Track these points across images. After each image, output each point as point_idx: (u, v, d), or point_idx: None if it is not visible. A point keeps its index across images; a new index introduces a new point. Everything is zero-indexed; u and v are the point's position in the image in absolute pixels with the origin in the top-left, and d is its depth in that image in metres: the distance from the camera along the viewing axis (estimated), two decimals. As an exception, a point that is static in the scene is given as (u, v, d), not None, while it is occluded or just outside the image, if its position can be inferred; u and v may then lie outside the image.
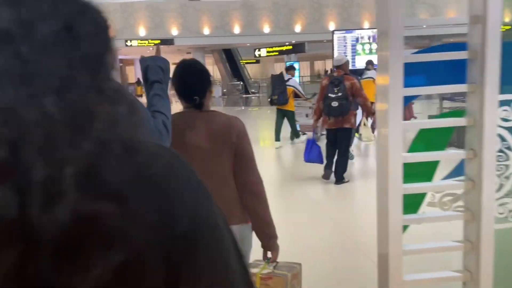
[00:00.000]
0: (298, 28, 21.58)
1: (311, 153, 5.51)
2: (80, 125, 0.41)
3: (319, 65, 39.83)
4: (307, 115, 8.28)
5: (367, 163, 7.10)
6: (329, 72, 8.72)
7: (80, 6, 0.47)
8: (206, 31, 21.03)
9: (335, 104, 5.17)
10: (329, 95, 5.22)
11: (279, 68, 27.22)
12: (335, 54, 17.42)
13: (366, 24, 21.66)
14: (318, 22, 21.57)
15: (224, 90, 24.95)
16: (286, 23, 21.45)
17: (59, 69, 0.42)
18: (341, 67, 5.47)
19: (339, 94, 5.18)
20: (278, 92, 7.96)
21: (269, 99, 8.61)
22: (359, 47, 17.54)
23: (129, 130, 0.46)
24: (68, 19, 0.44)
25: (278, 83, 8.08)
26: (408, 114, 7.74)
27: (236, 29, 21.23)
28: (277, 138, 8.33)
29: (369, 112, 5.74)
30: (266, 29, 21.43)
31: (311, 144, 5.54)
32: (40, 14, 0.43)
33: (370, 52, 17.49)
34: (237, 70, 26.31)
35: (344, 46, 17.49)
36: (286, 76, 8.19)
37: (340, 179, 5.56)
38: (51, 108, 0.40)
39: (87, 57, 0.44)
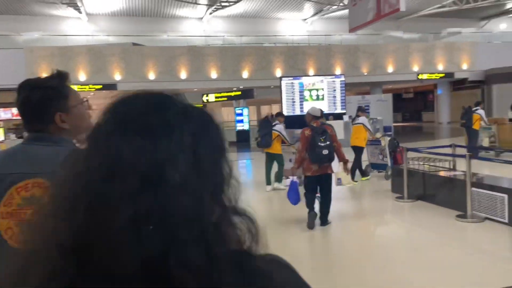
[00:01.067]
0: (245, 74, 21.49)
1: (294, 194, 5.76)
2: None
3: (265, 110, 40.27)
4: (290, 160, 8.40)
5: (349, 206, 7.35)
6: (269, 117, 9.36)
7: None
8: (152, 75, 20.37)
9: (325, 152, 5.44)
10: (319, 144, 5.44)
11: (226, 112, 26.93)
12: (284, 100, 17.45)
13: (311, 71, 22.04)
14: (265, 68, 21.65)
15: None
16: (234, 69, 21.31)
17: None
18: (319, 118, 5.79)
19: (327, 142, 5.47)
20: (262, 134, 8.26)
21: (256, 140, 8.96)
22: (306, 93, 17.59)
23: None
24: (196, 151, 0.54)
25: (264, 127, 8.41)
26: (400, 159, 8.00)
27: (183, 74, 20.77)
28: (268, 182, 8.47)
29: (343, 157, 5.90)
30: (214, 74, 21.15)
31: (295, 186, 5.81)
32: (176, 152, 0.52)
33: (317, 98, 17.59)
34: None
35: (292, 92, 17.46)
36: (274, 122, 8.54)
37: (325, 221, 5.78)
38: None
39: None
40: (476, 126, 11.50)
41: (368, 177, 8.95)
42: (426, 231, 5.65)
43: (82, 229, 0.49)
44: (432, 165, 7.00)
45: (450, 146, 7.18)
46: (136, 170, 0.50)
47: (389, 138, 9.04)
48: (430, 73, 24.20)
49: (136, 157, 0.50)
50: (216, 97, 23.27)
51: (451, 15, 27.99)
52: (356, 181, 8.61)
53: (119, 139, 0.51)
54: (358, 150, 8.71)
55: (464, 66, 24.69)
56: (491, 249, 4.79)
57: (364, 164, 9.15)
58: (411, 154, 7.33)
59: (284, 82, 17.59)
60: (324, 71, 21.40)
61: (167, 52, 20.82)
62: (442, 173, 6.63)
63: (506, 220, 5.24)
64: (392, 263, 4.48)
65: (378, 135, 9.27)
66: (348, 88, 21.03)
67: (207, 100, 23.77)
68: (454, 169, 6.81)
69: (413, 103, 35.26)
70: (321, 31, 27.37)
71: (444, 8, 26.06)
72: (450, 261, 4.44)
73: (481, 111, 11.82)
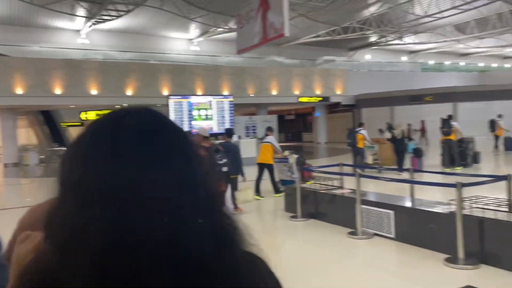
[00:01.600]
0: (130, 91, 20.37)
1: None
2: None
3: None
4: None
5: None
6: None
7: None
8: (19, 90, 18.08)
9: (225, 169, 5.80)
10: (218, 162, 5.71)
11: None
12: (171, 119, 16.80)
13: (199, 91, 21.82)
14: (151, 86, 20.81)
15: (42, 157, 21.39)
16: (116, 85, 20.05)
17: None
18: (208, 138, 6.25)
19: (224, 160, 5.83)
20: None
21: None
22: (195, 113, 17.25)
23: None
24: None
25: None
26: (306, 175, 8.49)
27: (58, 89, 18.84)
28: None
29: None
30: (94, 90, 19.61)
31: None
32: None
33: (206, 117, 17.36)
34: (58, 133, 23.12)
35: (180, 111, 16.97)
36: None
37: None
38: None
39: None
40: (360, 145, 12.45)
41: (281, 194, 8.82)
42: (319, 249, 5.66)
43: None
44: (323, 184, 7.15)
45: (338, 165, 7.44)
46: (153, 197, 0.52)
47: (296, 156, 9.42)
48: (309, 97, 25.82)
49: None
50: (97, 115, 21.54)
51: (325, 44, 30.46)
52: (262, 197, 8.84)
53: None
54: (267, 167, 8.97)
55: (338, 91, 26.91)
56: (379, 264, 4.93)
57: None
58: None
59: (172, 100, 17.04)
60: (212, 91, 21.36)
61: (37, 64, 18.73)
62: (332, 192, 6.79)
63: (393, 236, 5.48)
64: (284, 282, 4.29)
65: (286, 153, 9.62)
66: (236, 108, 21.29)
67: (86, 117, 21.92)
68: (342, 187, 7.04)
69: (294, 124, 37.27)
70: (208, 51, 27.51)
71: (319, 37, 28.28)
72: (343, 277, 4.50)
73: (364, 131, 12.88)
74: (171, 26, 26.12)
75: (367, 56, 34.91)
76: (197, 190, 0.55)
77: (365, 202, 5.86)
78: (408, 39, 31.25)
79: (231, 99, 18.52)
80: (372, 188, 7.53)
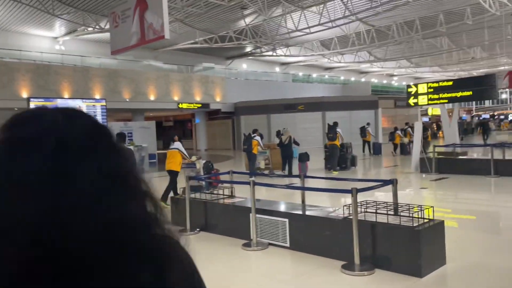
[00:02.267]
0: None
1: None
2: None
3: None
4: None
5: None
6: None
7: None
8: None
9: None
10: None
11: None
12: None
13: (66, 94, 19.65)
14: (6, 87, 18.04)
15: None
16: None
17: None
18: None
19: None
20: None
21: None
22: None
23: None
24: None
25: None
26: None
27: None
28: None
29: None
30: None
31: None
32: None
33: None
34: None
35: (45, 116, 14.95)
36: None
37: None
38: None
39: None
40: (254, 151, 12.57)
41: (167, 206, 8.65)
42: (211, 264, 5.21)
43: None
44: (213, 193, 6.72)
45: (227, 172, 7.10)
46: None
47: (203, 161, 9.53)
48: (189, 103, 25.26)
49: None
50: None
51: (203, 52, 30.30)
52: (168, 204, 8.28)
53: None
54: (173, 174, 8.82)
55: (218, 98, 26.90)
56: (276, 275, 4.71)
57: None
58: (192, 183, 6.90)
59: (34, 103, 14.94)
60: (81, 94, 19.41)
61: None
62: (224, 201, 6.41)
63: (288, 244, 5.31)
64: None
65: (194, 158, 9.51)
66: (110, 113, 19.67)
67: None
68: (233, 195, 6.72)
69: (173, 131, 36.25)
70: (77, 51, 25.05)
71: (197, 44, 27.97)
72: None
73: (258, 138, 13.05)
74: (31, 22, 23.11)
75: (244, 65, 35.78)
76: (124, 180, 0.57)
77: (259, 211, 5.61)
78: (280, 51, 32.85)
79: (104, 103, 17.02)
80: (262, 195, 7.36)
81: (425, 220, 4.29)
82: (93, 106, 16.52)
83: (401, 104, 29.11)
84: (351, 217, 4.67)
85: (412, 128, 17.29)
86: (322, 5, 22.80)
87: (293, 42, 30.42)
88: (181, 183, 7.75)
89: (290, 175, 12.07)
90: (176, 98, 24.70)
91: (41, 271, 0.48)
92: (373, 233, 4.41)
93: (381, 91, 38.67)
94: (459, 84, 14.50)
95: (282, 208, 5.78)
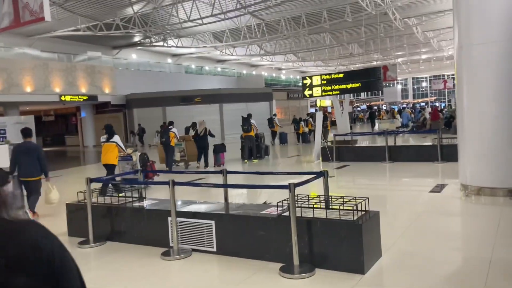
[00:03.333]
0: None
1: None
2: None
3: None
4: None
5: None
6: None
7: None
8: None
9: None
10: None
11: None
12: None
13: None
14: None
15: None
16: None
17: None
18: None
19: None
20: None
21: None
22: None
23: None
24: None
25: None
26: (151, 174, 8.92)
27: None
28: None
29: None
30: None
31: None
32: None
33: None
34: None
35: None
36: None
37: None
38: None
39: None
40: (172, 143, 12.36)
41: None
42: (125, 279, 4.41)
43: None
44: (121, 196, 5.78)
45: (135, 172, 6.20)
46: None
47: (139, 154, 9.21)
48: (73, 95, 22.75)
49: None
50: None
51: (87, 40, 27.59)
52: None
53: None
54: (110, 168, 8.48)
55: (106, 90, 24.70)
56: (203, 286, 4.11)
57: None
58: (95, 185, 5.86)
59: None
60: None
61: None
62: (135, 204, 5.54)
63: (215, 249, 4.73)
64: None
65: (129, 150, 9.17)
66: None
67: None
68: (143, 197, 5.87)
69: (54, 126, 32.52)
70: None
71: (79, 32, 25.26)
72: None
73: (174, 130, 12.76)
74: None
75: (133, 55, 33.57)
76: None
77: (180, 213, 4.91)
78: (171, 42, 31.49)
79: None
80: (177, 193, 6.61)
81: (363, 213, 4.08)
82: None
83: (293, 96, 30.26)
84: (285, 214, 4.27)
85: (313, 118, 18.40)
86: (215, -4, 22.24)
87: (184, 33, 29.35)
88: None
89: (206, 166, 12.63)
90: (57, 90, 22.02)
91: None
92: (312, 230, 4.06)
93: (271, 84, 39.72)
94: (349, 76, 15.16)
95: (206, 208, 5.15)
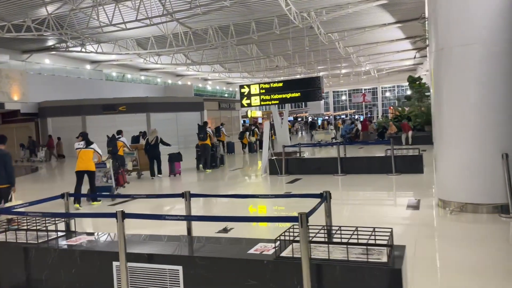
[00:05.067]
0: None
1: None
2: None
3: None
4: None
5: None
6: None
7: None
8: None
9: None
10: None
11: None
12: None
13: None
14: None
15: None
16: None
17: None
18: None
19: None
20: None
21: None
22: None
23: None
24: None
25: None
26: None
27: None
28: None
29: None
30: None
31: None
32: None
33: None
34: None
35: None
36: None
37: None
38: None
39: None
40: (121, 152, 11.72)
41: (99, 203, 8.73)
42: None
43: None
44: (40, 229, 4.12)
45: (60, 196, 4.56)
46: None
47: (111, 161, 9.33)
48: (-28, 102, 19.34)
49: None
50: None
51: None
52: (81, 207, 8.36)
53: None
54: (90, 175, 8.61)
55: (15, 97, 21.44)
56: None
57: None
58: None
59: None
60: None
61: None
62: (61, 243, 3.95)
63: (181, 301, 3.36)
64: None
65: (104, 157, 9.21)
66: None
67: None
68: (74, 231, 4.28)
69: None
70: None
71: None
72: None
73: (123, 139, 12.18)
74: None
75: (46, 61, 30.05)
76: None
77: (131, 256, 3.45)
78: (90, 47, 28.71)
79: None
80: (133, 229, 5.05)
81: (388, 249, 3.03)
82: None
83: (224, 106, 29.18)
84: (285, 254, 3.09)
85: (258, 128, 19.18)
86: (139, 1, 20.45)
87: (105, 38, 26.89)
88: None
89: (159, 175, 12.49)
90: (-48, 96, 18.56)
91: None
92: (326, 277, 2.92)
93: (198, 94, 38.25)
94: (289, 85, 14.52)
95: (166, 247, 3.76)
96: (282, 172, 11.21)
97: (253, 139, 19.96)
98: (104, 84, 29.47)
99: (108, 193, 8.76)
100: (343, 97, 62.69)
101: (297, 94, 13.82)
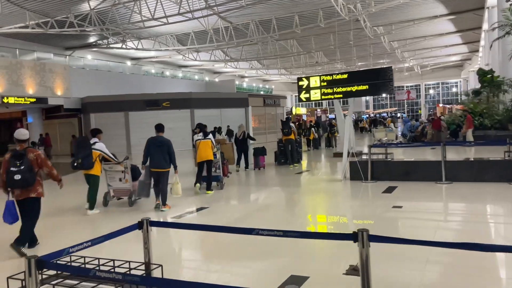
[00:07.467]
0: None
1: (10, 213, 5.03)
2: None
3: None
4: (120, 179, 7.98)
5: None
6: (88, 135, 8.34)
7: None
8: None
9: (17, 177, 5.01)
10: (11, 168, 5.02)
11: None
12: None
13: None
14: None
15: None
16: None
17: None
18: (25, 141, 5.29)
19: (22, 167, 5.04)
20: (81, 156, 7.24)
21: (74, 164, 7.27)
22: None
23: None
24: None
25: (82, 147, 7.37)
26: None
27: None
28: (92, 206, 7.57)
29: (55, 179, 5.45)
30: None
31: (9, 205, 5.07)
32: None
33: None
34: None
35: None
36: (93, 140, 7.66)
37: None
38: None
39: None
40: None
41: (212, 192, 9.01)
42: None
43: None
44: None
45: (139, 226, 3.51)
46: None
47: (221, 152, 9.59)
48: (18, 97, 19.14)
49: None
50: None
51: (38, 39, 23.97)
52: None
53: None
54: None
55: (58, 92, 21.19)
56: None
57: None
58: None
59: None
60: None
61: None
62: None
63: None
64: None
65: (214, 149, 9.28)
66: None
67: None
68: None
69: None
70: None
71: (28, 29, 21.60)
72: None
73: (210, 136, 11.83)
74: None
75: (88, 56, 29.99)
76: None
77: None
78: (131, 44, 28.35)
79: None
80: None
81: None
82: None
83: (269, 102, 28.20)
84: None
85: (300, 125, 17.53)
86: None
87: (146, 34, 26.41)
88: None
89: (247, 168, 12.93)
90: (-2, 91, 18.38)
91: None
92: None
93: (241, 90, 37.42)
94: (354, 77, 12.91)
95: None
96: (367, 177, 9.46)
97: (325, 134, 20.34)
98: (145, 80, 29.07)
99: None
100: (383, 94, 60.25)
101: (365, 87, 12.19)
